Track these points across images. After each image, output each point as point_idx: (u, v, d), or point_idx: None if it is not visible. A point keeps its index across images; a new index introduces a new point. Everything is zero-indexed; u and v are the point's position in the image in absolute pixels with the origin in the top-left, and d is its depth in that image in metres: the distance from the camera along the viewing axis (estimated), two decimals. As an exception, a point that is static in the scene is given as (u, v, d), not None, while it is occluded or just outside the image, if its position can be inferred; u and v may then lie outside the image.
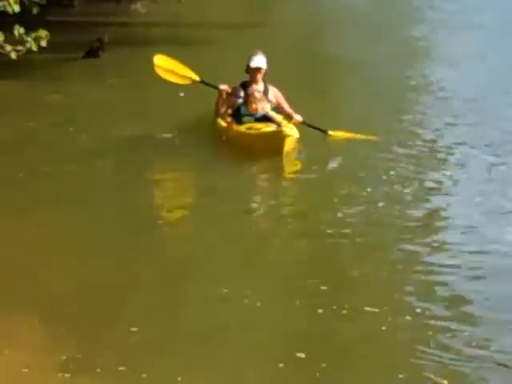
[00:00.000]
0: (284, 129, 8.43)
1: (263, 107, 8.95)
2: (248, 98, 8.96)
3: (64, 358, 4.86)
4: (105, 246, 6.45)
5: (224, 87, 9.22)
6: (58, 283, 5.79)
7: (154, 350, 4.93)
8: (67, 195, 7.51)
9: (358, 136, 8.80)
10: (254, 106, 8.93)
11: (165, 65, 9.55)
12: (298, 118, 8.94)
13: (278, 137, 8.40)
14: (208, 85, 9.45)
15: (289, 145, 8.42)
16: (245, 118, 8.93)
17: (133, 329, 5.13)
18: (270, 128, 8.67)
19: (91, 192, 7.64)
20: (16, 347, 4.99)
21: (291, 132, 8.43)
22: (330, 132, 8.91)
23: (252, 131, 8.75)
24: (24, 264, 6.13)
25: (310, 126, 8.91)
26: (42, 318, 5.34)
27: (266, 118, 8.90)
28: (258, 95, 8.95)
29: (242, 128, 8.84)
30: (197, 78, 9.51)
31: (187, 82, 9.57)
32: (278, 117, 8.91)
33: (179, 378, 4.65)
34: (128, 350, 4.94)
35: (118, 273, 5.93)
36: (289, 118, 8.94)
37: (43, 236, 6.66)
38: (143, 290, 5.70)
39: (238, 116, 8.98)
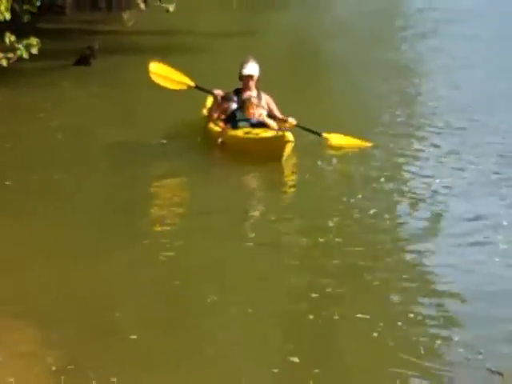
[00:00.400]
0: (286, 133, 8.40)
1: (259, 113, 8.95)
2: (244, 104, 8.96)
3: (54, 368, 4.78)
4: (96, 253, 6.38)
5: (219, 92, 9.24)
6: (50, 290, 5.75)
7: (147, 361, 4.87)
8: (57, 202, 7.47)
9: (352, 140, 8.81)
10: (251, 111, 8.92)
11: (160, 71, 9.59)
12: (291, 120, 8.94)
13: (278, 142, 8.38)
14: (203, 90, 9.47)
15: (288, 150, 8.41)
16: (240, 123, 8.92)
17: (126, 339, 5.07)
18: (268, 133, 8.66)
19: (81, 199, 7.58)
20: (4, 355, 4.91)
21: (291, 137, 8.41)
22: (324, 134, 8.90)
23: (250, 136, 8.74)
24: (15, 270, 6.07)
25: (304, 128, 8.90)
26: (33, 325, 5.28)
27: (261, 124, 8.89)
28: (254, 101, 8.95)
29: (240, 133, 8.82)
30: (191, 83, 9.54)
31: (182, 87, 9.59)
32: (273, 123, 8.91)
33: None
34: (120, 361, 4.88)
35: (111, 281, 5.89)
36: (283, 121, 8.94)
37: (33, 243, 6.62)
38: (137, 300, 5.63)
39: (233, 121, 8.96)
